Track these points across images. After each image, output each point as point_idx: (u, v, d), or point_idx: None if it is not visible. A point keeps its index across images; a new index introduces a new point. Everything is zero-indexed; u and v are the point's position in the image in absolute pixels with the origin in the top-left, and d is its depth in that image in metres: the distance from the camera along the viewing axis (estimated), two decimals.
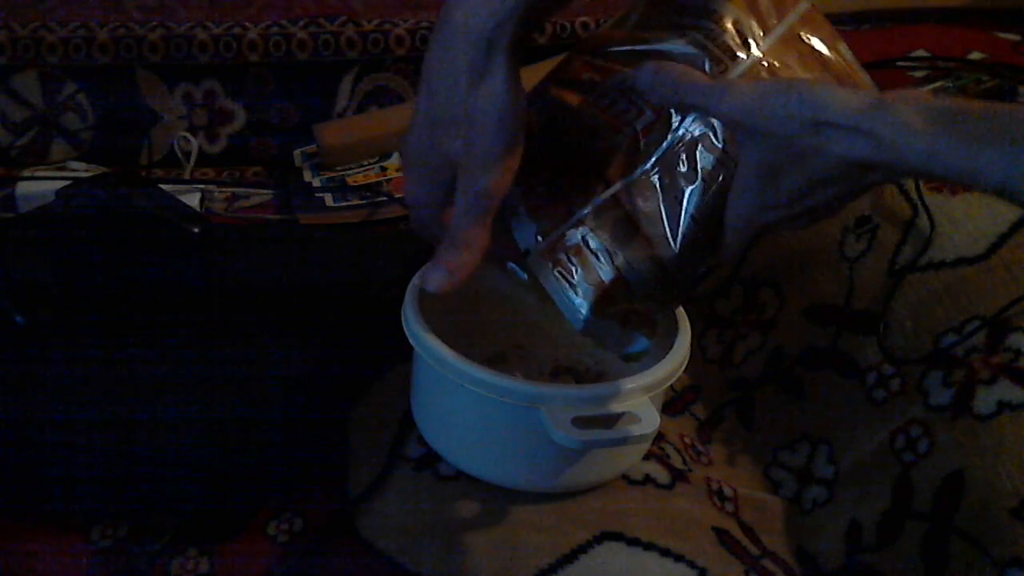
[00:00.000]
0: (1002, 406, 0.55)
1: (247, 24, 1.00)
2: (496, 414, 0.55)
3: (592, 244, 0.50)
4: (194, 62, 0.99)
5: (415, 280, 0.61)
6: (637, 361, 0.55)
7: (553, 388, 0.55)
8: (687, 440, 0.67)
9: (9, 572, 0.54)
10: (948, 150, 0.37)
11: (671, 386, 0.59)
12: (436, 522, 0.57)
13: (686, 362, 0.58)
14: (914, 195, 0.66)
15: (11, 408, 0.59)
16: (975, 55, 0.88)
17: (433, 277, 0.49)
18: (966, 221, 0.63)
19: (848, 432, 0.64)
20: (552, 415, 0.51)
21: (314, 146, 0.98)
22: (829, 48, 0.50)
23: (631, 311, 0.52)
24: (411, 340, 0.57)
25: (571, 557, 0.54)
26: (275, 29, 1.00)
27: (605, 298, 0.50)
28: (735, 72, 0.49)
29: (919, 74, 0.86)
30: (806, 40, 0.50)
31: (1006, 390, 0.56)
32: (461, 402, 0.56)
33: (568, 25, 1.03)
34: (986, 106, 0.37)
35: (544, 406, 0.52)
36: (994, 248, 0.61)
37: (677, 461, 0.63)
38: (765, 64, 0.49)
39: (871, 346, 0.64)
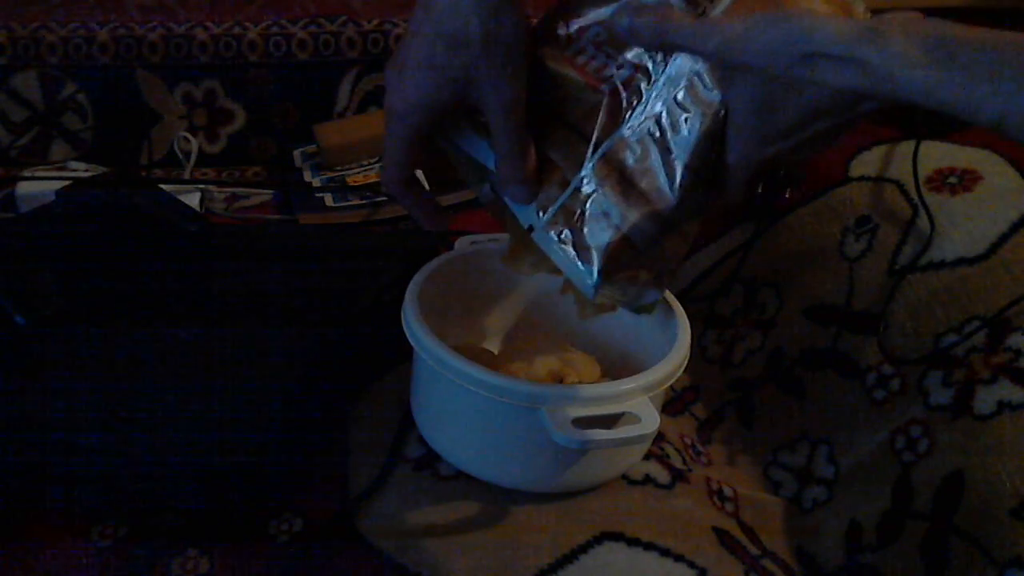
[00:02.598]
0: (1002, 406, 0.55)
1: (247, 24, 1.00)
2: (496, 414, 0.55)
3: (591, 209, 0.49)
4: (194, 62, 0.99)
5: (415, 280, 0.61)
6: (649, 312, 0.54)
7: (553, 388, 0.55)
8: (687, 440, 0.67)
9: (9, 572, 0.54)
10: (944, 83, 0.36)
11: (671, 386, 0.59)
12: (436, 522, 0.57)
13: (686, 362, 0.58)
14: (914, 195, 0.66)
15: (11, 408, 0.59)
16: None
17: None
18: (966, 221, 0.63)
19: (848, 432, 0.64)
20: (552, 415, 0.51)
21: (314, 146, 0.98)
22: None
23: (640, 266, 0.51)
24: (411, 340, 0.57)
25: (571, 557, 0.54)
26: (275, 29, 1.00)
27: (612, 260, 0.49)
28: (718, 9, 0.47)
29: None
30: None
31: (1006, 390, 0.56)
32: (461, 402, 0.56)
33: None
34: (983, 36, 0.36)
35: (544, 406, 0.52)
36: (994, 248, 0.61)
37: (677, 461, 0.63)
38: None
39: (871, 346, 0.64)
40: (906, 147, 0.69)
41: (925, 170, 0.67)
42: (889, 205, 0.68)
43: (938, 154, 0.68)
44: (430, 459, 0.60)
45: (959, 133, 0.70)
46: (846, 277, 0.68)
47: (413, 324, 0.57)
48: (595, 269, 0.49)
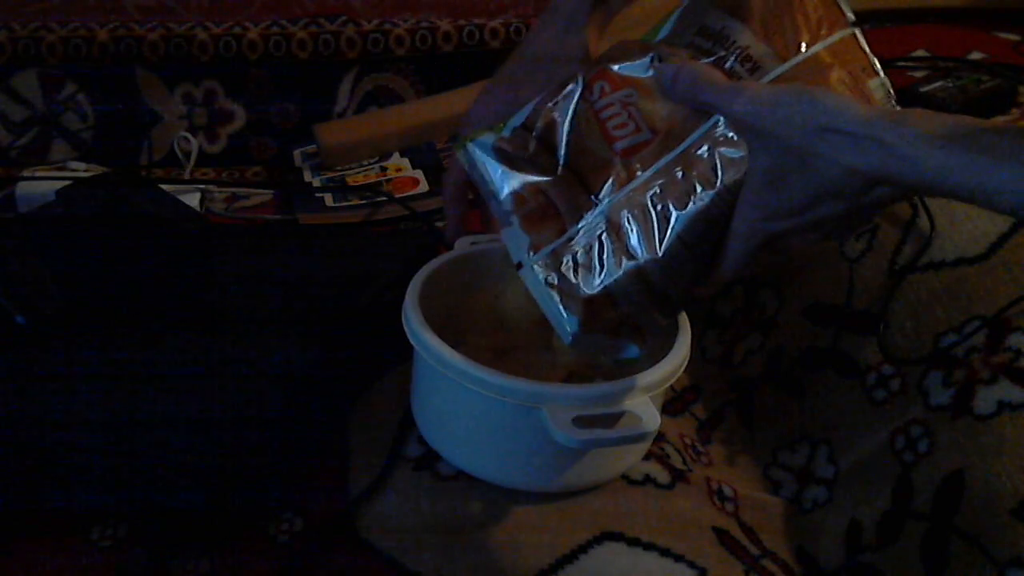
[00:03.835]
0: (1002, 406, 0.55)
1: (247, 24, 1.00)
2: (496, 414, 0.55)
3: (581, 260, 0.51)
4: (194, 62, 0.99)
5: (415, 280, 0.61)
6: (630, 365, 0.55)
7: (553, 388, 0.55)
8: (687, 440, 0.67)
9: (9, 572, 0.54)
10: (962, 165, 0.36)
11: (671, 386, 0.59)
12: (436, 522, 0.57)
13: (686, 362, 0.58)
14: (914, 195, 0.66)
15: (11, 408, 0.59)
16: (975, 55, 0.88)
17: None
18: (966, 221, 0.63)
19: (848, 432, 0.64)
20: (552, 415, 0.51)
21: (314, 146, 0.98)
22: (853, 84, 0.49)
23: (621, 322, 0.52)
24: (411, 340, 0.57)
25: (571, 557, 0.54)
26: (275, 29, 1.00)
27: (593, 313, 0.51)
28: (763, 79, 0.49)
29: (919, 74, 0.86)
30: (825, 72, 0.49)
31: (1006, 390, 0.56)
32: (461, 402, 0.56)
33: None
34: (1004, 124, 0.36)
35: (544, 406, 0.52)
36: (994, 248, 0.61)
37: (677, 461, 0.63)
38: None
39: (871, 346, 0.64)
40: None
41: None
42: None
43: None
44: (430, 459, 0.60)
45: None
46: (846, 277, 0.68)
47: (413, 324, 0.57)
48: (576, 319, 0.51)
